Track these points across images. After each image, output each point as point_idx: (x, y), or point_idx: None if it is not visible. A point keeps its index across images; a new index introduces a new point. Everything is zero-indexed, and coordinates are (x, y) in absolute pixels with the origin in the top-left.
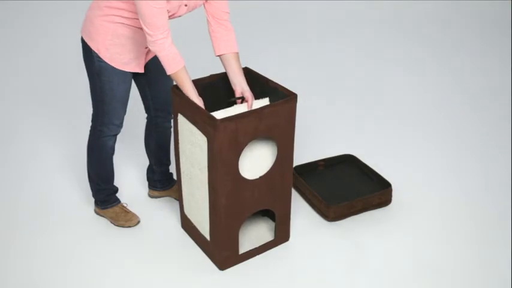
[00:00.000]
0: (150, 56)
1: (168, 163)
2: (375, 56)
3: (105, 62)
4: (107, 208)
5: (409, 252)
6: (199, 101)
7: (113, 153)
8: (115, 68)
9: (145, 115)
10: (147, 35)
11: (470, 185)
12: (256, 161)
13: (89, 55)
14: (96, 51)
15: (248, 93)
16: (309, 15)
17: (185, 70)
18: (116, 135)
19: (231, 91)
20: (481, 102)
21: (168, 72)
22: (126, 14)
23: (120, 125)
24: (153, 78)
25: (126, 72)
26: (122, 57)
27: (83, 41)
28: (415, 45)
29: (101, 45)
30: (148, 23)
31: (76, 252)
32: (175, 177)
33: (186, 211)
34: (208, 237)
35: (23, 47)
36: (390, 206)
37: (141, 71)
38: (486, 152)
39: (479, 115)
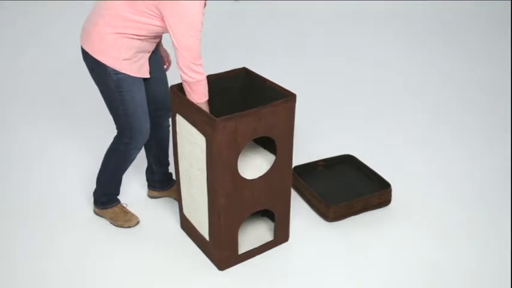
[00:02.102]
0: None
1: (168, 163)
2: (374, 56)
3: (122, 73)
4: (106, 208)
5: (408, 252)
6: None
7: (130, 164)
8: (131, 76)
9: None
10: (193, 66)
11: (470, 185)
12: (253, 166)
13: (103, 72)
14: (112, 66)
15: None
16: (309, 14)
17: (206, 104)
18: (141, 147)
19: (229, 91)
20: (482, 102)
21: (197, 100)
22: (137, 32)
23: (147, 136)
24: (152, 79)
25: (140, 78)
26: (135, 65)
27: (92, 59)
28: (415, 46)
29: (116, 60)
30: (197, 54)
31: (75, 252)
32: (174, 177)
33: (186, 211)
34: (207, 237)
35: (25, 47)
36: (390, 206)
37: (148, 75)
38: (486, 152)
39: (480, 115)
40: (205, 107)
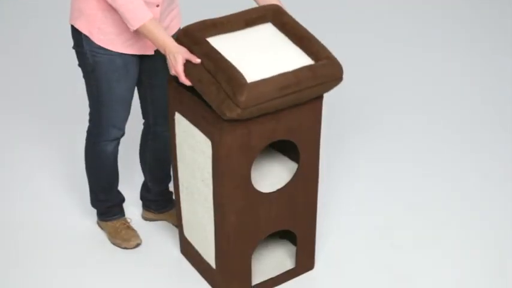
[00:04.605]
0: None
1: (167, 180)
2: (378, 54)
3: (101, 55)
4: (105, 221)
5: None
6: (183, 51)
7: (113, 161)
8: (113, 62)
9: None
10: None
11: (472, 186)
12: (270, 176)
13: (81, 49)
14: (87, 34)
15: None
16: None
17: (157, 21)
18: (115, 140)
19: None
20: (487, 102)
21: (134, 26)
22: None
23: (121, 129)
24: (157, 78)
25: (128, 67)
26: (122, 37)
27: (72, 29)
28: (420, 45)
29: (92, 25)
30: None
31: (56, 278)
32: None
33: (187, 233)
34: (214, 265)
35: (6, 42)
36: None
37: (151, 52)
38: (490, 152)
39: (484, 115)
40: (154, 32)
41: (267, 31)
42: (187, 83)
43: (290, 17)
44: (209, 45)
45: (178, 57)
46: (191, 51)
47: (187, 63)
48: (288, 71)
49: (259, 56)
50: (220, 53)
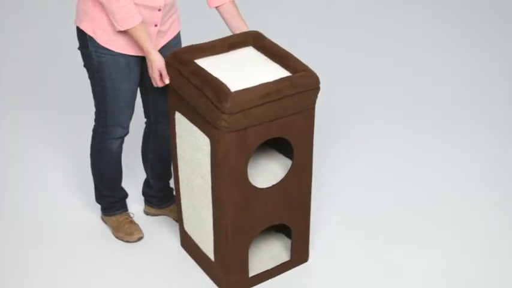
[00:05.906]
0: (164, 42)
1: (167, 178)
2: (373, 53)
3: (105, 56)
4: (109, 215)
5: (451, 271)
6: (160, 60)
7: (117, 158)
8: (117, 62)
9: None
10: None
11: (469, 185)
12: (266, 172)
13: (86, 50)
14: (92, 35)
15: None
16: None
17: (144, 27)
18: (120, 138)
19: None
20: (483, 102)
21: (123, 27)
22: None
23: (126, 127)
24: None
25: (131, 67)
26: (125, 38)
27: (77, 31)
28: (416, 44)
29: (97, 26)
30: None
31: (60, 269)
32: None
33: (186, 227)
34: (212, 257)
35: (13, 44)
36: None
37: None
38: (486, 152)
39: (480, 114)
40: (142, 37)
41: (249, 53)
42: (161, 84)
43: (269, 40)
44: (195, 64)
45: (154, 68)
46: (179, 71)
47: (178, 83)
48: (268, 81)
49: (242, 71)
50: (205, 70)
